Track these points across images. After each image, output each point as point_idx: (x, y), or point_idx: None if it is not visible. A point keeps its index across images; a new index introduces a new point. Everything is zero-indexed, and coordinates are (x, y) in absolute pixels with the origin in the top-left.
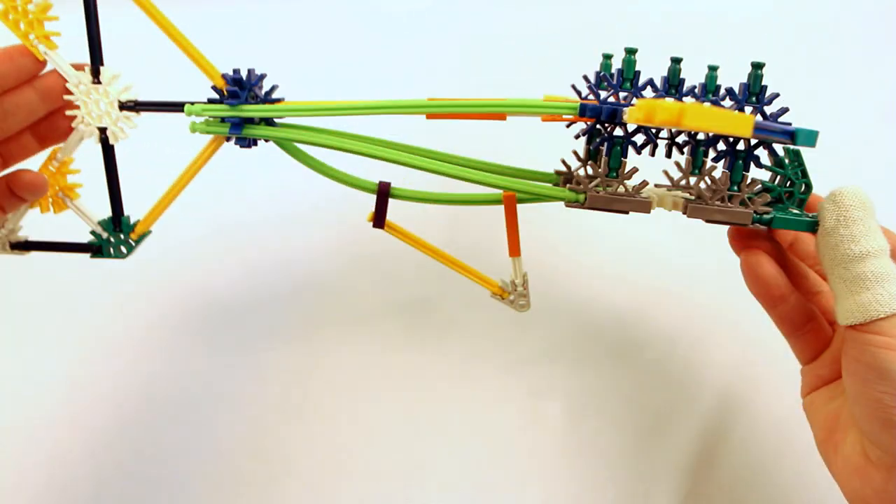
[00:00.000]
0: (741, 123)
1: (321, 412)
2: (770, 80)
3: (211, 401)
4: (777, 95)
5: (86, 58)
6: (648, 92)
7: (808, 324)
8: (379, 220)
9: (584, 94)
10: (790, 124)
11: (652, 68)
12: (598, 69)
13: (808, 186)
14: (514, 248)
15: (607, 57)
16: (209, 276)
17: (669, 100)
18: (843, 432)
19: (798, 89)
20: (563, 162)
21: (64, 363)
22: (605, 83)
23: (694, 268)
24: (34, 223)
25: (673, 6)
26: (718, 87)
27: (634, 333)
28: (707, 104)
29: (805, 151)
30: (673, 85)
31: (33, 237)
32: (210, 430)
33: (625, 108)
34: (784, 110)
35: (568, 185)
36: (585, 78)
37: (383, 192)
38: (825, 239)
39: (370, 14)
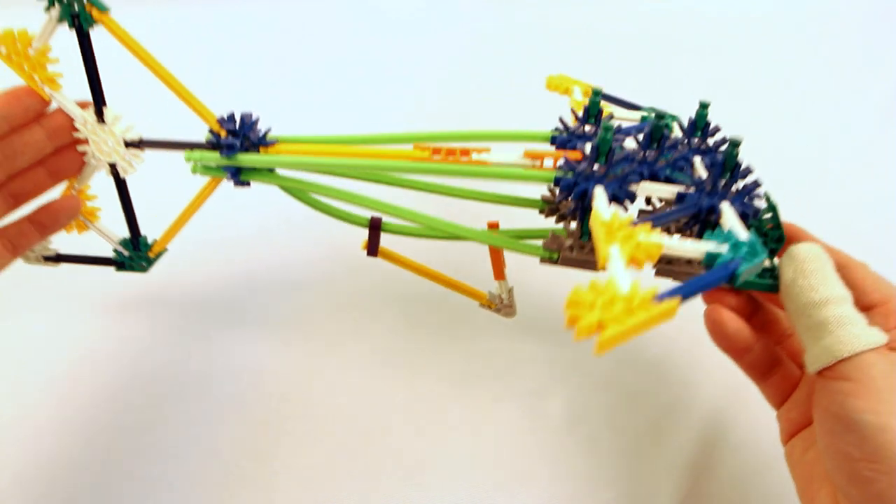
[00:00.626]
0: (664, 315)
1: (321, 412)
2: (771, 80)
3: (210, 401)
4: (750, 171)
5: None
6: (634, 137)
7: (775, 368)
8: (372, 249)
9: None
10: (761, 198)
11: (650, 67)
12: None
13: (781, 238)
14: (499, 274)
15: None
16: (209, 277)
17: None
18: (819, 483)
19: (797, 89)
20: (550, 189)
21: (62, 362)
22: (584, 162)
23: None
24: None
25: (674, 5)
26: (707, 124)
27: None
28: (626, 309)
29: (805, 149)
30: (655, 139)
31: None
32: (210, 431)
33: (595, 187)
34: (756, 185)
35: (543, 243)
36: (562, 122)
37: (375, 227)
38: (787, 292)
39: (370, 15)
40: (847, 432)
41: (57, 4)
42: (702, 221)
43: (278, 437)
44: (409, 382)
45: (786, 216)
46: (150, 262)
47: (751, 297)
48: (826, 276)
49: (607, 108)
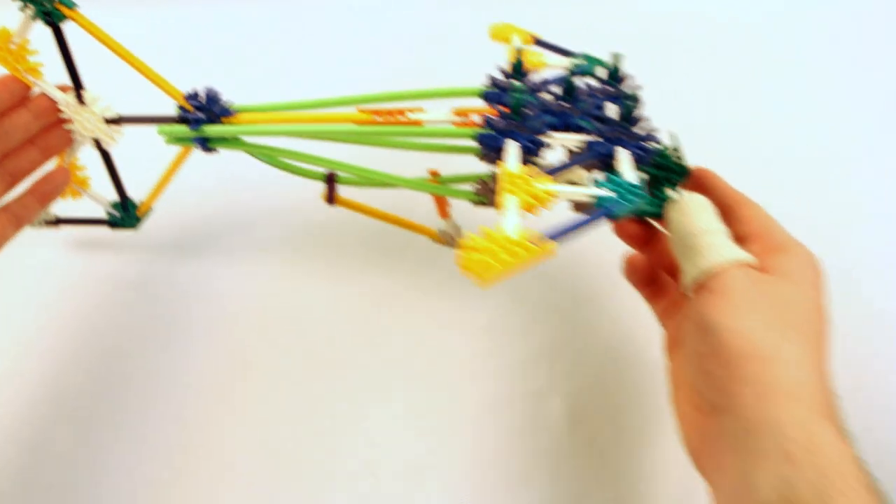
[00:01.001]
0: (542, 254)
1: (321, 413)
2: (771, 80)
3: (210, 401)
4: (644, 118)
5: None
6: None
7: (663, 290)
8: (330, 198)
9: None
10: (658, 142)
11: (650, 67)
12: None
13: (684, 171)
14: (443, 213)
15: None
16: (200, 266)
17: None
18: (683, 387)
19: (798, 89)
20: None
21: (48, 342)
22: (503, 119)
23: None
24: None
25: (674, 5)
26: (617, 71)
27: (635, 332)
28: (514, 246)
29: (805, 149)
30: (569, 92)
31: None
32: (209, 430)
33: (506, 141)
34: (652, 130)
35: (476, 190)
36: (491, 78)
37: (331, 179)
38: (671, 228)
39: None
40: (701, 333)
41: (31, 5)
42: (607, 165)
43: (278, 437)
44: (409, 382)
45: (785, 215)
46: (139, 220)
47: (649, 225)
48: (707, 215)
49: (540, 56)
